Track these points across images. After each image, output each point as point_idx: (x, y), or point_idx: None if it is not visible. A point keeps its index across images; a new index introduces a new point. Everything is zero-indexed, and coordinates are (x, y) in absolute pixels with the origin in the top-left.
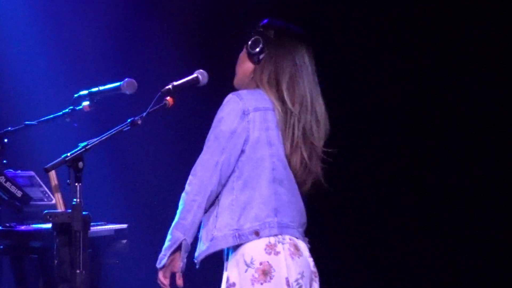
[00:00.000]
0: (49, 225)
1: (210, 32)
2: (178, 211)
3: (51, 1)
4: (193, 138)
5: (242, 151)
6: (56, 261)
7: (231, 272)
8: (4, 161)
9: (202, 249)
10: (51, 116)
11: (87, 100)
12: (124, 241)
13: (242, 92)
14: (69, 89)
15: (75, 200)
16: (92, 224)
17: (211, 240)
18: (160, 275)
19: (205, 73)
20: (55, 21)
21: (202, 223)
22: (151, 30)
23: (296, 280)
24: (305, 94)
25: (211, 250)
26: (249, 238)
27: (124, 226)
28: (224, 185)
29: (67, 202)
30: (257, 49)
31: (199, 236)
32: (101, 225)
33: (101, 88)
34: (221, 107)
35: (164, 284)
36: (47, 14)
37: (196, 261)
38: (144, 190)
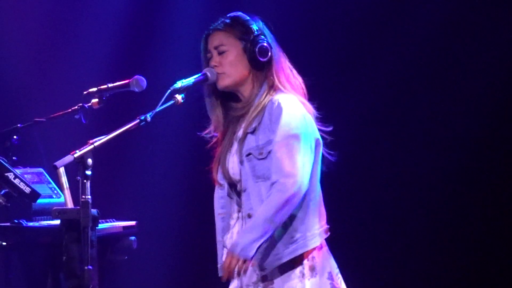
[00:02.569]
0: (57, 222)
1: None
2: (272, 206)
3: None
4: (202, 135)
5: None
6: (64, 257)
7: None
8: (14, 158)
9: (289, 250)
10: (60, 113)
11: (96, 97)
12: (133, 238)
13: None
14: (78, 86)
15: (83, 197)
16: (100, 221)
17: (296, 242)
18: (240, 263)
19: (214, 71)
20: (65, 18)
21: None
22: (160, 27)
23: (337, 274)
24: None
25: (300, 251)
26: (323, 236)
27: (133, 223)
28: None
29: (76, 198)
30: (266, 59)
31: (274, 236)
32: (110, 222)
33: (110, 85)
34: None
35: (232, 272)
36: (57, 10)
37: (264, 272)
38: (153, 187)
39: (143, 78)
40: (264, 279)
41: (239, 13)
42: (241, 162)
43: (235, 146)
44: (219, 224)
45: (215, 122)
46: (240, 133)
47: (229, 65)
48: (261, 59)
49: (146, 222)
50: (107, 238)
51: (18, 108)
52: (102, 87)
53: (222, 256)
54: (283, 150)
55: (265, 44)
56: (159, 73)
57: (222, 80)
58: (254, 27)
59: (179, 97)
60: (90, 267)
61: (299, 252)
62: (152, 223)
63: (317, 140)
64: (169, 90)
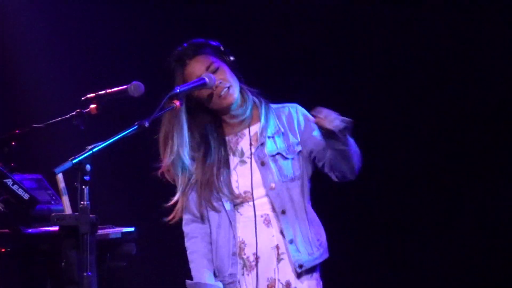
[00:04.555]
0: (56, 228)
1: (219, 35)
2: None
3: (58, 4)
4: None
5: None
6: (63, 264)
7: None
8: (12, 164)
9: (315, 256)
10: (59, 119)
11: (94, 103)
12: (132, 243)
13: None
14: (76, 91)
15: (82, 203)
16: (99, 226)
17: (320, 245)
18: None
19: (213, 76)
20: (62, 24)
21: (292, 225)
22: (158, 32)
23: None
24: None
25: (325, 257)
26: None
27: (132, 228)
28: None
29: (75, 204)
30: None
31: (291, 239)
32: (109, 227)
33: (108, 90)
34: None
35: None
36: (53, 16)
37: (301, 269)
38: (152, 192)
39: (141, 84)
40: (299, 275)
41: (196, 40)
42: (262, 164)
43: (236, 159)
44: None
45: (192, 142)
46: (243, 143)
47: (230, 77)
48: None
49: (145, 228)
50: (106, 244)
51: (16, 114)
52: (100, 92)
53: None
54: None
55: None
56: (158, 79)
57: (234, 92)
58: (223, 49)
59: (177, 103)
60: (89, 273)
61: (326, 256)
62: (151, 229)
63: None
64: (168, 96)
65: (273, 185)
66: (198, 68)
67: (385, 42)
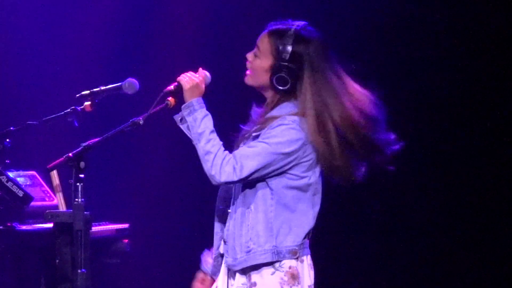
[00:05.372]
0: (50, 225)
1: (213, 32)
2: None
3: (53, 1)
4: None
5: None
6: (57, 261)
7: (253, 273)
8: (7, 161)
9: (240, 260)
10: (53, 116)
11: (88, 100)
12: (126, 240)
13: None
14: (71, 89)
15: (76, 199)
16: (94, 223)
17: (247, 252)
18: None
19: (208, 74)
20: (57, 21)
21: (229, 228)
22: (153, 29)
23: None
24: None
25: (250, 263)
26: (286, 256)
27: (126, 225)
28: (257, 197)
29: (69, 201)
30: (286, 88)
31: (225, 239)
32: (103, 225)
33: (103, 87)
34: None
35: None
36: (49, 14)
37: (233, 268)
38: (146, 190)
39: (136, 81)
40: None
41: (294, 27)
42: None
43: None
44: (219, 217)
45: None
46: (247, 134)
47: (253, 69)
48: (279, 86)
49: (139, 224)
50: (100, 241)
51: (10, 111)
52: (94, 89)
53: (219, 247)
54: None
55: (283, 75)
56: (152, 75)
57: (246, 78)
58: (290, 49)
59: (172, 100)
60: (83, 270)
61: (252, 262)
62: (146, 226)
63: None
64: (162, 93)
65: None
66: (259, 37)
67: (385, 42)
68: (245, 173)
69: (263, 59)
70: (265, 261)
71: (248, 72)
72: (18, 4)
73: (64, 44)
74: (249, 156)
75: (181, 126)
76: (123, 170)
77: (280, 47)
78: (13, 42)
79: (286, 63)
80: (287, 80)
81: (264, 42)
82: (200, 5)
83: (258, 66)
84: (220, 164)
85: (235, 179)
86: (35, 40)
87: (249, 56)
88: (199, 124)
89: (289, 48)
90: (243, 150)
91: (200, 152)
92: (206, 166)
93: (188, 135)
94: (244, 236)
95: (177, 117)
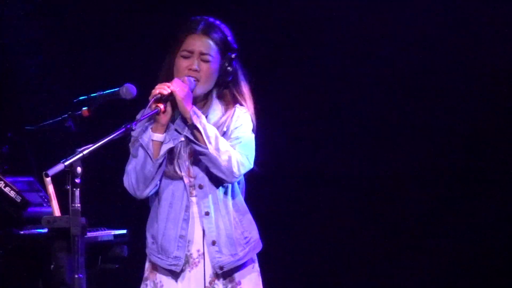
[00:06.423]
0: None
1: None
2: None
3: (52, 5)
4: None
5: None
6: (52, 266)
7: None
8: (5, 167)
9: (245, 252)
10: (51, 121)
11: (86, 105)
12: (124, 246)
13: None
14: (68, 94)
15: (73, 205)
16: (91, 229)
17: (247, 243)
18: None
19: (192, 79)
20: (55, 25)
21: (219, 226)
22: (151, 35)
23: None
24: None
25: (256, 251)
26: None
27: (124, 231)
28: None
29: (66, 207)
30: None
31: (214, 240)
32: (101, 230)
33: (101, 93)
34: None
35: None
36: (47, 18)
37: (221, 270)
38: None
39: (133, 86)
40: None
41: (227, 30)
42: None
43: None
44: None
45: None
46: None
47: (206, 76)
48: (228, 79)
49: (137, 230)
50: (98, 246)
51: (8, 117)
52: (92, 95)
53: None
54: None
55: (233, 67)
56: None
57: (198, 88)
58: (234, 47)
59: (162, 105)
60: (80, 275)
61: (256, 250)
62: (144, 231)
63: None
64: (153, 99)
65: (201, 184)
66: (196, 46)
67: (385, 42)
68: (252, 161)
69: (215, 62)
70: (260, 247)
71: (198, 81)
72: (17, 7)
73: (62, 49)
74: (247, 145)
75: (186, 134)
76: (120, 175)
77: (229, 48)
78: (10, 46)
79: (235, 57)
80: (235, 71)
81: (211, 48)
82: (199, 11)
83: (210, 71)
84: (239, 159)
85: (251, 167)
86: (33, 45)
87: (195, 66)
88: (209, 128)
89: (234, 44)
90: (235, 143)
91: (214, 153)
92: (225, 164)
93: (192, 138)
94: (238, 228)
95: (187, 132)
